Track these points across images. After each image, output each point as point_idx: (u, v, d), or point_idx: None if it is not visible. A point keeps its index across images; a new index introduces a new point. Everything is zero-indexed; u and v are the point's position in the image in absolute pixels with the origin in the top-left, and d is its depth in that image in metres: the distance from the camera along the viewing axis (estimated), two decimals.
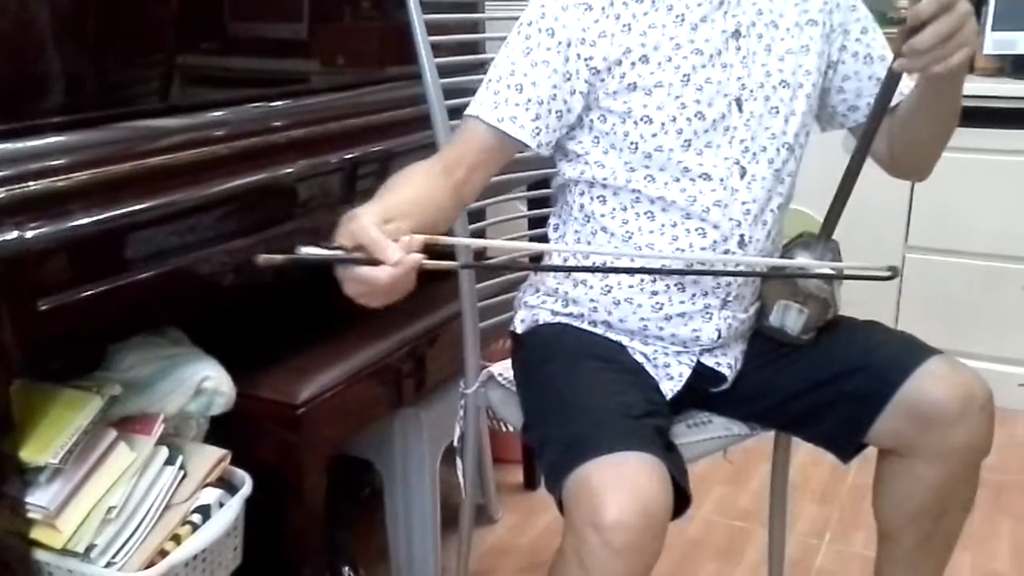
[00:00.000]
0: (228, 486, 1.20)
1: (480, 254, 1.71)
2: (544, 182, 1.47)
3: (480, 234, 1.49)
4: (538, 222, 1.46)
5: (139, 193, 1.15)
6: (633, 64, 1.11)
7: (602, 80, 1.12)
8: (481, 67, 1.73)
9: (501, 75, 1.13)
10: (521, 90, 1.11)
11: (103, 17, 1.18)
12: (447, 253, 1.28)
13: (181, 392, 1.19)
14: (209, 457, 1.19)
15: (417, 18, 1.32)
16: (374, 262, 0.85)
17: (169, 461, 1.15)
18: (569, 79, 1.12)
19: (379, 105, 1.64)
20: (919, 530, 1.16)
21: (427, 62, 1.33)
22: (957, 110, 1.15)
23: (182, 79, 1.33)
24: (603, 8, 1.11)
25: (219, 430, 1.26)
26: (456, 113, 1.37)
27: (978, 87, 2.33)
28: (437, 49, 1.34)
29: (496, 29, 1.54)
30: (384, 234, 0.86)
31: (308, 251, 0.86)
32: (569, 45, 1.11)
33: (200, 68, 1.37)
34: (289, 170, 1.37)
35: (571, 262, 1.24)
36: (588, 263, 1.22)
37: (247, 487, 1.20)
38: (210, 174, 1.26)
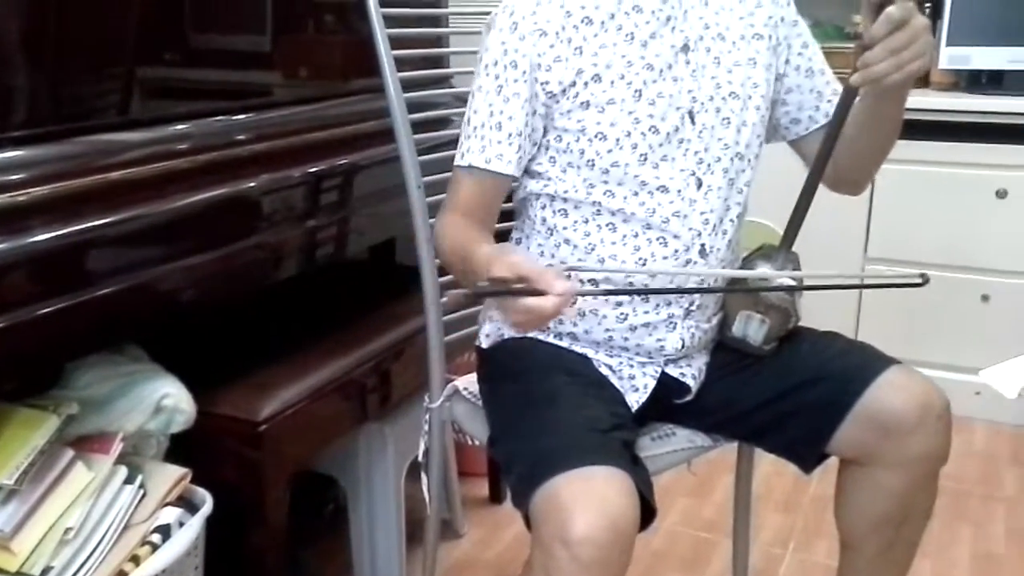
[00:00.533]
0: (189, 505, 1.18)
1: None
2: (508, 195, 1.47)
3: None
4: (502, 235, 1.46)
5: (99, 208, 1.14)
6: (586, 84, 1.13)
7: (557, 102, 1.14)
8: (445, 81, 1.74)
9: (483, 120, 1.16)
10: (501, 127, 1.15)
11: (62, 30, 1.17)
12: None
13: (140, 410, 1.17)
14: (169, 476, 1.18)
15: (380, 32, 1.32)
16: (540, 293, 0.92)
17: (128, 480, 1.14)
18: (531, 102, 1.15)
19: (343, 118, 1.63)
20: (880, 538, 1.18)
21: (390, 76, 1.32)
22: (900, 125, 1.19)
23: (143, 92, 1.31)
24: (556, 33, 1.13)
25: (179, 448, 1.25)
26: (420, 127, 1.37)
27: (934, 101, 2.38)
28: (401, 63, 1.34)
29: (460, 44, 1.55)
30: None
31: (483, 284, 0.96)
32: (530, 71, 1.14)
33: (161, 81, 1.35)
34: (252, 184, 1.36)
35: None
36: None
37: (208, 506, 1.19)
38: (171, 188, 1.25)
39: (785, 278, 1.12)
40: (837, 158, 1.23)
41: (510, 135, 1.15)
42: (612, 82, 1.13)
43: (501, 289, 0.94)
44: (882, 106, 1.13)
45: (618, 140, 1.13)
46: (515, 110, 1.14)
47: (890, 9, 0.99)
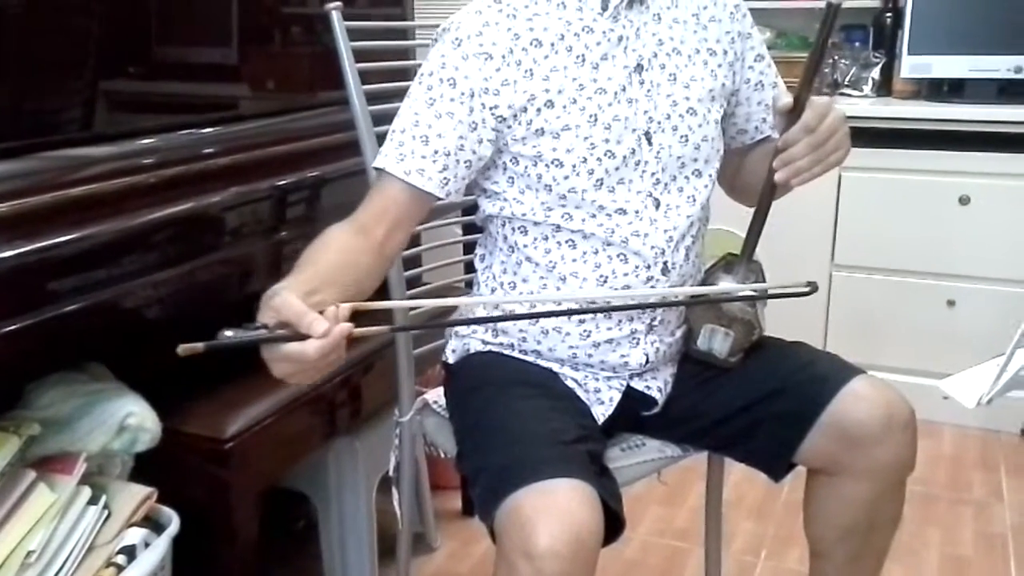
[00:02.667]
0: (155, 525, 1.17)
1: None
2: (475, 207, 1.48)
3: (416, 259, 1.48)
4: (473, 247, 1.46)
5: (62, 225, 1.13)
6: (539, 110, 1.11)
7: (509, 127, 1.12)
8: None
9: (405, 126, 1.12)
10: (427, 142, 1.10)
11: (22, 42, 1.15)
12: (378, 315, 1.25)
13: (103, 430, 1.15)
14: (134, 496, 1.16)
15: (344, 46, 1.32)
16: (301, 337, 0.82)
17: (92, 501, 1.12)
18: (475, 128, 1.11)
19: (310, 131, 1.63)
20: (849, 547, 1.18)
21: (355, 89, 1.32)
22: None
23: (108, 106, 1.30)
24: (503, 56, 1.10)
25: (145, 467, 1.23)
26: (385, 140, 1.37)
27: (896, 110, 2.42)
28: (367, 75, 1.34)
29: (426, 56, 1.54)
30: (308, 307, 0.83)
31: (230, 333, 0.82)
32: (472, 95, 1.10)
33: (126, 95, 1.34)
34: (217, 199, 1.35)
35: (505, 308, 1.23)
36: (518, 305, 1.21)
37: (174, 525, 1.17)
38: (135, 204, 1.23)
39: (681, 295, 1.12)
40: (740, 173, 1.28)
41: (436, 152, 1.10)
42: (565, 107, 1.11)
43: (249, 338, 0.82)
44: None
45: (574, 166, 1.12)
46: (446, 129, 1.10)
47: (806, 117, 1.04)
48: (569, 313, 1.15)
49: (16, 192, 1.10)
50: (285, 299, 0.84)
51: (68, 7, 1.22)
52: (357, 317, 0.87)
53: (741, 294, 1.14)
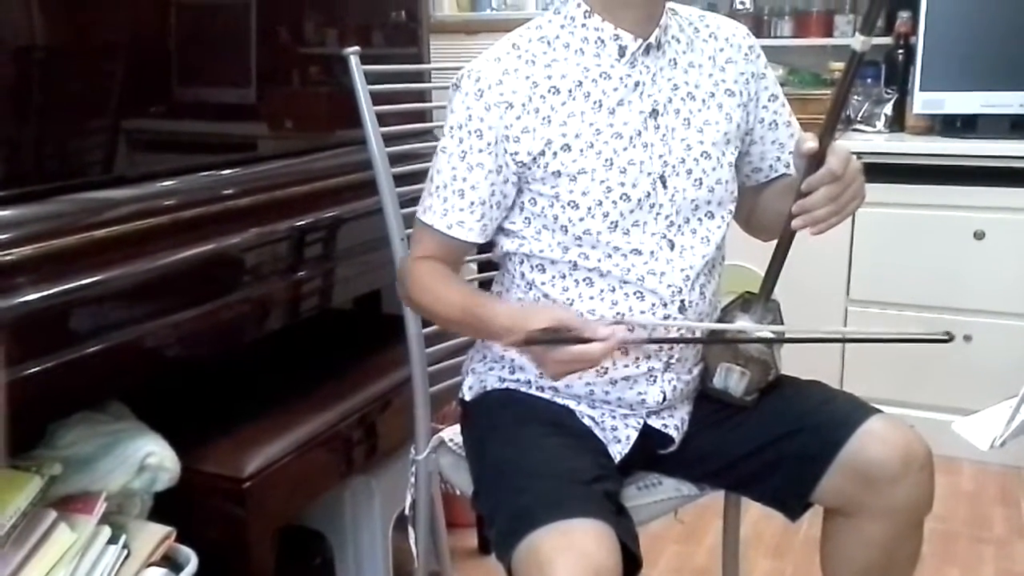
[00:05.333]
0: (173, 564, 1.17)
1: None
2: (491, 244, 1.49)
3: None
4: (488, 285, 1.47)
5: (85, 267, 1.14)
6: (556, 154, 1.13)
7: (529, 169, 1.15)
8: (429, 133, 1.76)
9: (445, 181, 1.18)
10: (463, 195, 1.16)
11: (46, 87, 1.18)
12: None
13: (124, 469, 1.16)
14: (153, 535, 1.17)
15: (362, 90, 1.34)
16: (586, 340, 1.00)
17: (112, 540, 1.13)
18: (501, 171, 1.15)
19: (329, 171, 1.64)
20: None
21: (372, 131, 1.35)
22: None
23: (129, 149, 1.32)
24: (523, 104, 1.13)
25: (164, 506, 1.24)
26: (402, 180, 1.39)
27: (910, 145, 2.42)
28: (385, 116, 1.36)
29: (442, 98, 1.56)
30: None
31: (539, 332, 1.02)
32: (497, 142, 1.14)
33: (147, 137, 1.36)
34: (237, 240, 1.37)
35: None
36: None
37: (192, 565, 1.18)
38: (156, 246, 1.25)
39: (766, 332, 1.13)
40: (755, 211, 1.29)
41: (472, 203, 1.16)
42: (582, 151, 1.13)
43: (551, 337, 1.01)
44: None
45: (590, 209, 1.14)
46: (479, 179, 1.15)
47: (832, 163, 1.04)
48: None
49: (39, 235, 1.12)
50: (561, 311, 1.06)
51: (89, 51, 1.25)
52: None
53: (876, 337, 1.14)
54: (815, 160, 1.06)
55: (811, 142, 1.06)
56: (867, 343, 1.17)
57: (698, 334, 1.20)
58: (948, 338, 1.01)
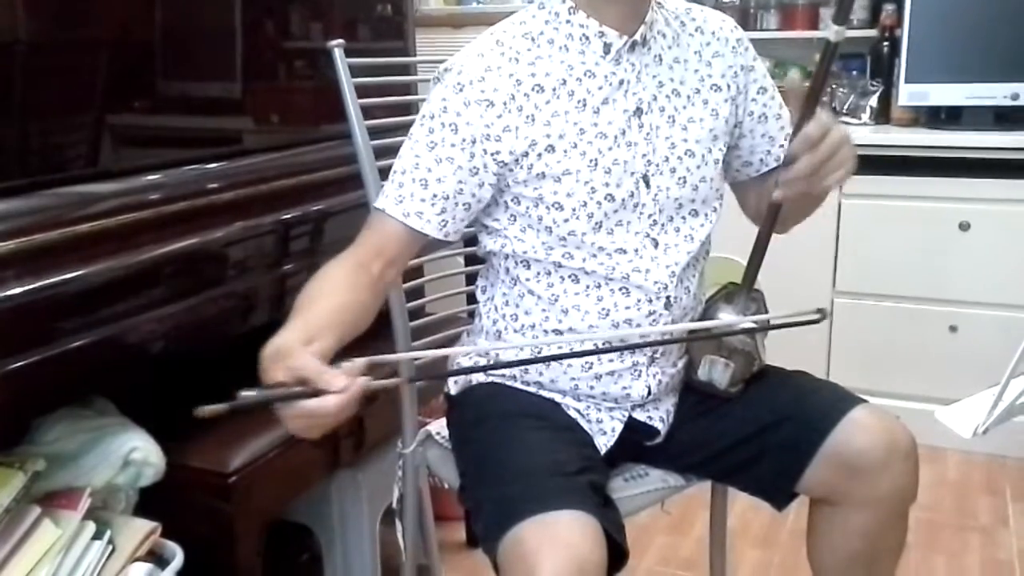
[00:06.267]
0: (159, 560, 1.17)
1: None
2: (475, 239, 1.49)
3: (418, 290, 1.49)
4: (475, 278, 1.47)
5: (68, 261, 1.14)
6: (540, 155, 1.12)
7: (511, 171, 1.12)
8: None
9: (406, 168, 1.13)
10: (426, 185, 1.12)
11: (29, 81, 1.17)
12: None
13: (108, 464, 1.16)
14: (138, 530, 1.17)
15: (346, 83, 1.33)
16: (318, 393, 0.85)
17: (96, 536, 1.13)
18: (476, 173, 1.12)
19: (314, 165, 1.64)
20: None
21: (357, 126, 1.34)
22: (822, 201, 1.21)
23: (113, 143, 1.32)
24: (505, 103, 1.11)
25: (149, 501, 1.23)
26: (387, 173, 1.38)
27: (895, 137, 2.43)
28: (369, 110, 1.35)
29: (428, 91, 1.56)
30: (320, 363, 0.86)
31: (248, 394, 0.84)
32: (474, 142, 1.11)
33: (132, 131, 1.36)
34: (222, 233, 1.36)
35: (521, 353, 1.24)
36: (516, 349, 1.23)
37: (178, 560, 1.18)
38: (141, 240, 1.25)
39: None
40: (759, 204, 1.26)
41: (435, 196, 1.11)
42: (566, 151, 1.12)
43: (269, 396, 0.85)
44: (806, 198, 1.15)
45: (574, 210, 1.12)
46: (446, 173, 1.11)
47: (808, 129, 1.03)
48: (573, 356, 1.16)
49: (22, 229, 1.12)
50: (298, 360, 0.86)
51: (73, 44, 1.24)
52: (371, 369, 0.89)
53: (744, 326, 1.14)
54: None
55: (777, 192, 1.07)
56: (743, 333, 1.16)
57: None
58: (820, 317, 1.01)
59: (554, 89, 1.12)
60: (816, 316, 1.02)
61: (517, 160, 1.12)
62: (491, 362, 1.23)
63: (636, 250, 1.15)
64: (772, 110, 1.26)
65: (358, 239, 1.13)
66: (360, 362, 0.89)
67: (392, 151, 1.42)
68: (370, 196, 1.35)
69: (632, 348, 1.18)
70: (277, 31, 1.63)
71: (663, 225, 1.17)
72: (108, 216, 1.23)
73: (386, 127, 1.41)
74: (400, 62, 1.79)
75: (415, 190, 1.12)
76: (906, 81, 2.45)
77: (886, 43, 2.60)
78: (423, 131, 1.13)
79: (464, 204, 1.13)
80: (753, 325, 1.14)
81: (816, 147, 1.04)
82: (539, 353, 1.20)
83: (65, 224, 1.17)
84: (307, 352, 0.87)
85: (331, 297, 1.02)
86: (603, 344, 1.16)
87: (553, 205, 1.13)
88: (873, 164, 2.36)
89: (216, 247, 1.36)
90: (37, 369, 1.08)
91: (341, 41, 1.34)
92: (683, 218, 1.18)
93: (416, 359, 1.16)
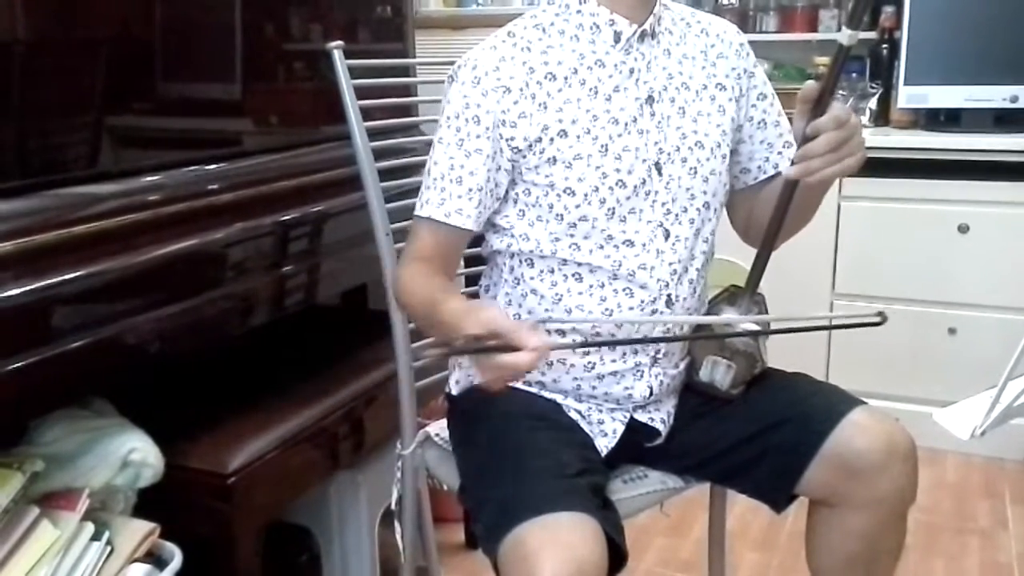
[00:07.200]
0: (157, 561, 1.17)
1: None
2: (480, 239, 1.49)
3: None
4: (472, 280, 1.47)
5: (67, 262, 1.13)
6: (552, 140, 1.13)
7: (524, 157, 1.14)
8: (414, 128, 1.76)
9: (443, 172, 1.16)
10: (461, 182, 1.15)
11: (29, 82, 1.17)
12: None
13: (107, 465, 1.16)
14: (137, 531, 1.16)
15: (345, 85, 1.33)
16: (514, 349, 0.93)
17: (95, 537, 1.12)
18: (495, 158, 1.15)
19: (313, 166, 1.64)
20: None
21: (356, 127, 1.34)
22: (816, 210, 1.23)
23: (113, 144, 1.31)
24: (520, 89, 1.13)
25: (148, 502, 1.23)
26: (387, 175, 1.39)
27: (894, 139, 2.44)
28: (369, 111, 1.35)
29: (428, 92, 1.56)
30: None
31: (457, 342, 0.98)
32: (494, 127, 1.14)
33: (132, 132, 1.35)
34: (221, 235, 1.36)
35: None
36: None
37: (177, 561, 1.17)
38: (140, 241, 1.24)
39: (749, 323, 1.13)
40: (752, 216, 1.27)
41: (470, 190, 1.15)
42: (578, 137, 1.13)
43: (476, 346, 0.95)
44: (807, 194, 1.14)
45: (586, 195, 1.13)
46: (477, 165, 1.14)
47: (837, 110, 1.03)
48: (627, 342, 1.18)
49: (22, 230, 1.11)
50: (496, 313, 0.97)
51: (72, 45, 1.24)
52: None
53: (809, 324, 1.14)
54: (818, 113, 1.04)
55: (791, 169, 1.07)
56: (794, 332, 1.16)
57: (686, 330, 1.20)
58: (881, 320, 1.02)
59: (566, 77, 1.14)
60: (877, 319, 1.03)
61: (531, 146, 1.14)
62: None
63: (644, 244, 1.16)
64: (771, 117, 1.26)
65: (409, 252, 1.19)
66: (532, 322, 1.00)
67: (392, 152, 1.42)
68: (369, 197, 1.35)
69: (672, 340, 1.20)
70: (277, 32, 1.63)
71: (677, 215, 1.17)
72: (108, 217, 1.23)
73: (385, 128, 1.41)
74: (400, 64, 1.79)
75: (454, 189, 1.15)
76: (905, 83, 2.45)
77: (885, 45, 2.61)
78: (450, 132, 1.16)
79: (491, 192, 1.17)
80: (815, 324, 1.13)
81: (843, 124, 1.03)
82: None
83: (65, 225, 1.17)
84: (501, 312, 0.95)
85: (444, 283, 1.14)
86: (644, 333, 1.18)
87: (565, 191, 1.14)
88: (872, 166, 2.31)
89: (215, 248, 1.35)
90: (36, 369, 1.07)
91: (341, 43, 1.35)
92: (697, 209, 1.19)
93: (593, 323, 1.18)
